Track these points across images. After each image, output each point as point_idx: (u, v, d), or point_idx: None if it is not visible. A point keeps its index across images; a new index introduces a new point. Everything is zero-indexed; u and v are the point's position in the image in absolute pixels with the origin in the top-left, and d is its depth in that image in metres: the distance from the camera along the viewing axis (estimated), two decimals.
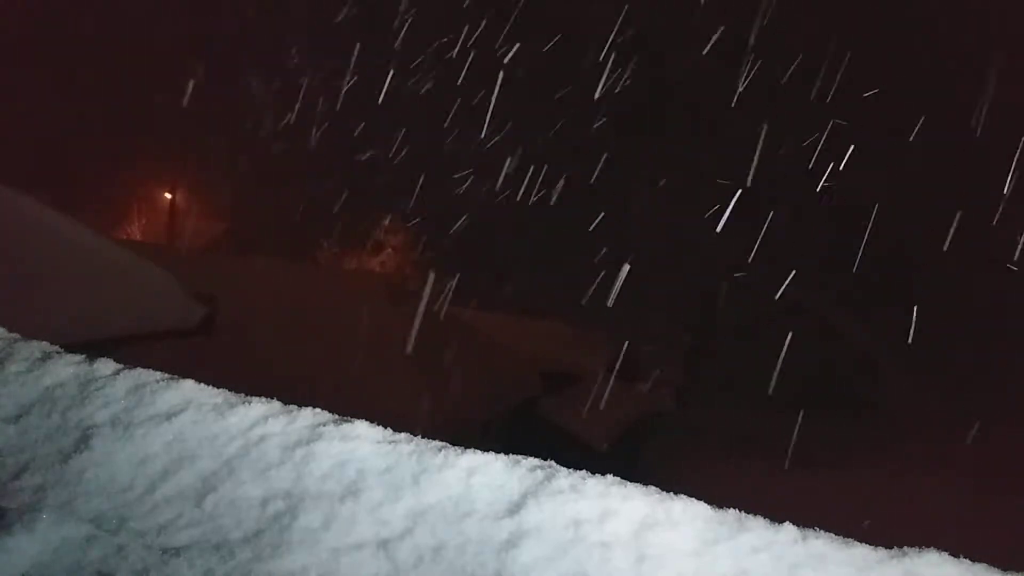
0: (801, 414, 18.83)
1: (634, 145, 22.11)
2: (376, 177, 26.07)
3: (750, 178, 20.54)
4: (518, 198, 22.70)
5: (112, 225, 27.22)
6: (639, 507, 1.50)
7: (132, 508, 1.57)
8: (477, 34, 23.03)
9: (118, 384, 1.97)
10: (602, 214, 20.69)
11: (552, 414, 14.83)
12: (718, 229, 18.42)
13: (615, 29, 20.41)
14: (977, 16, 19.08)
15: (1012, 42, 17.73)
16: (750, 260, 20.23)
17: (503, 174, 22.38)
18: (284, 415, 1.82)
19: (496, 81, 21.79)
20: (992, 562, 1.38)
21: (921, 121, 18.47)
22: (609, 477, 1.59)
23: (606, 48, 21.12)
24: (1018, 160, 17.80)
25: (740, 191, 20.05)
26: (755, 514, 1.49)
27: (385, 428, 1.79)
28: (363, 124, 25.14)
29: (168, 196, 30.08)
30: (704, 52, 20.28)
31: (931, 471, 15.41)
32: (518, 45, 21.61)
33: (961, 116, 19.67)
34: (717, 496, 1.60)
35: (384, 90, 23.30)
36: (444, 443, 1.72)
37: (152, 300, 7.74)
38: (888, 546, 1.41)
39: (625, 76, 22.12)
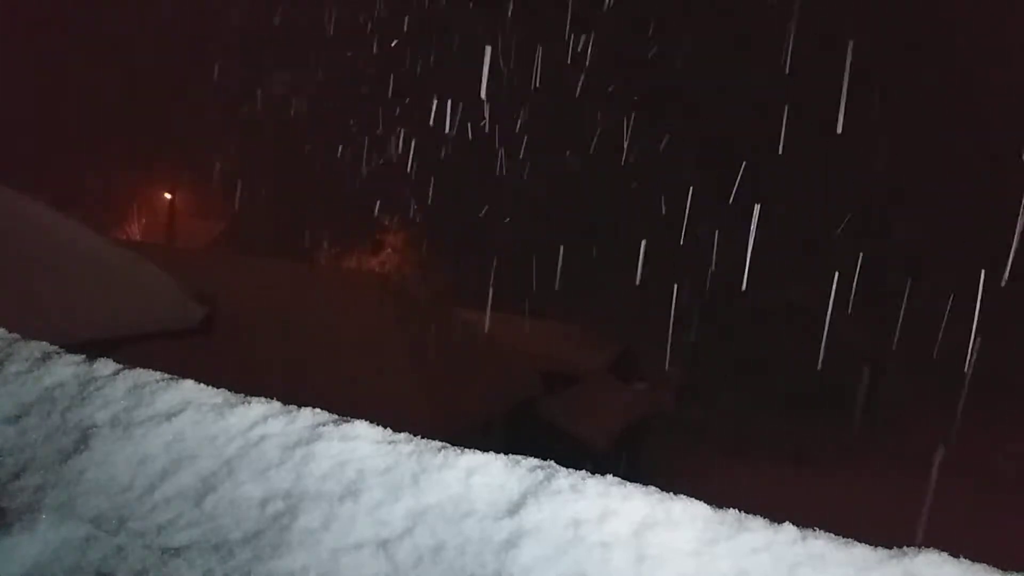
0: (801, 414, 18.83)
1: (632, 143, 22.11)
2: (376, 177, 26.07)
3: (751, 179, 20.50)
4: (518, 198, 22.67)
5: (112, 225, 27.21)
6: (639, 507, 1.50)
7: (132, 508, 1.57)
8: (476, 34, 23.00)
9: (118, 384, 1.97)
10: (602, 214, 20.67)
11: (552, 414, 14.83)
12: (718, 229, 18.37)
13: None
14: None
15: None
16: (750, 260, 20.21)
17: (500, 174, 22.37)
18: (284, 415, 1.82)
19: (495, 81, 21.75)
20: (992, 562, 1.38)
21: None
22: (609, 477, 1.59)
23: (602, 49, 21.11)
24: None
25: (739, 191, 19.98)
26: (755, 514, 1.49)
27: (385, 428, 1.79)
28: (364, 125, 25.16)
29: (168, 196, 30.07)
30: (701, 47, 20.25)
31: (931, 471, 15.44)
32: (513, 45, 21.59)
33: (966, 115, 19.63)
34: (717, 496, 1.60)
35: (383, 90, 23.28)
36: (444, 443, 1.72)
37: (152, 300, 7.73)
38: (888, 546, 1.41)
39: (624, 78, 22.10)
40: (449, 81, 23.40)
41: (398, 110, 24.66)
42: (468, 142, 23.74)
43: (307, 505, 1.57)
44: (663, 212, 21.44)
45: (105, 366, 2.06)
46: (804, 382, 19.97)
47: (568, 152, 22.12)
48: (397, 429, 1.79)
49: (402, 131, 24.94)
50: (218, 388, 1.95)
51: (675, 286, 20.62)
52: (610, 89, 21.81)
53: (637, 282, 21.00)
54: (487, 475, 1.60)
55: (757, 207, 19.46)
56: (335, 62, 25.40)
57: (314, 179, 26.29)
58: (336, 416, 1.83)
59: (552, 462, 1.65)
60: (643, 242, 20.47)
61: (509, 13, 21.87)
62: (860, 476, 15.37)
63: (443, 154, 23.93)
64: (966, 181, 19.84)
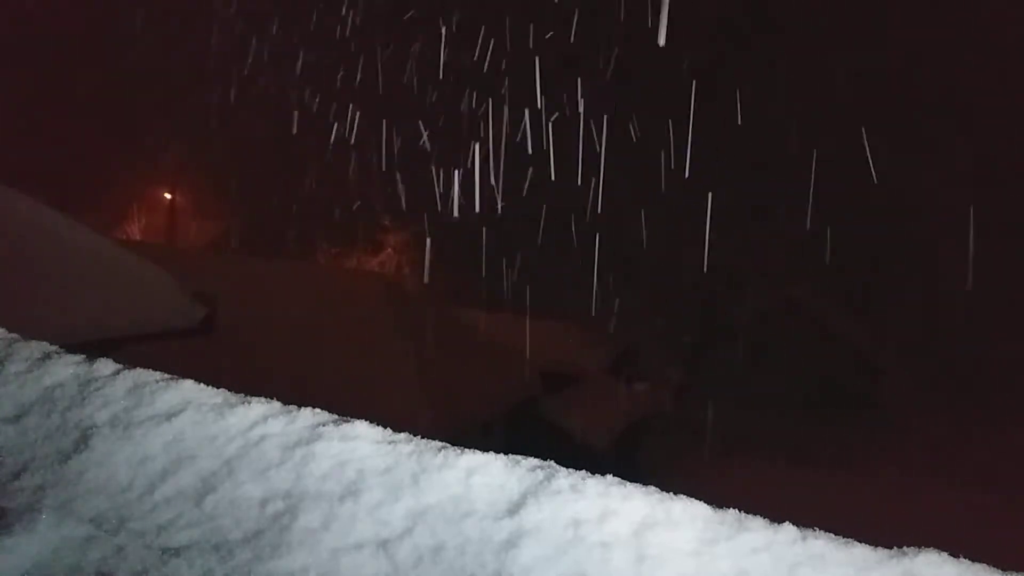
0: (801, 414, 18.82)
1: (632, 143, 22.10)
2: (376, 177, 26.07)
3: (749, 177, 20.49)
4: (518, 198, 22.66)
5: (112, 225, 27.21)
6: (639, 507, 1.50)
7: (132, 508, 1.57)
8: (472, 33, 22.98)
9: (118, 384, 1.97)
10: (601, 215, 20.64)
11: (552, 414, 14.82)
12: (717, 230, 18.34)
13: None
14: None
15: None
16: (751, 261, 20.20)
17: (501, 175, 22.35)
18: (284, 415, 1.82)
19: (494, 78, 21.73)
20: (992, 562, 1.38)
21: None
22: (609, 477, 1.59)
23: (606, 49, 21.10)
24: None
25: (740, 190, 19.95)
26: (755, 514, 1.49)
27: (385, 428, 1.79)
28: (362, 125, 25.15)
29: (168, 196, 30.06)
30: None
31: (931, 471, 15.43)
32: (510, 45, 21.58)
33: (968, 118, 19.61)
34: (717, 496, 1.59)
35: (381, 89, 23.26)
36: (444, 443, 1.72)
37: (152, 300, 7.73)
38: (888, 546, 1.41)
39: (632, 74, 22.08)
40: (450, 80, 23.42)
41: (399, 110, 24.67)
42: (469, 141, 23.74)
43: (307, 505, 1.57)
44: (663, 212, 21.43)
45: (105, 366, 2.06)
46: (804, 382, 19.97)
47: (569, 151, 22.12)
48: (397, 429, 1.79)
49: (403, 131, 24.93)
50: (218, 388, 1.95)
51: (675, 286, 20.62)
52: (613, 88, 21.80)
53: (637, 282, 21.01)
54: (487, 475, 1.60)
55: (759, 207, 19.48)
56: (335, 62, 25.41)
57: (314, 179, 26.30)
58: (336, 416, 1.83)
59: (552, 462, 1.65)
60: (643, 242, 20.47)
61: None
62: (860, 476, 15.34)
63: (444, 153, 23.91)
64: (969, 184, 19.86)
